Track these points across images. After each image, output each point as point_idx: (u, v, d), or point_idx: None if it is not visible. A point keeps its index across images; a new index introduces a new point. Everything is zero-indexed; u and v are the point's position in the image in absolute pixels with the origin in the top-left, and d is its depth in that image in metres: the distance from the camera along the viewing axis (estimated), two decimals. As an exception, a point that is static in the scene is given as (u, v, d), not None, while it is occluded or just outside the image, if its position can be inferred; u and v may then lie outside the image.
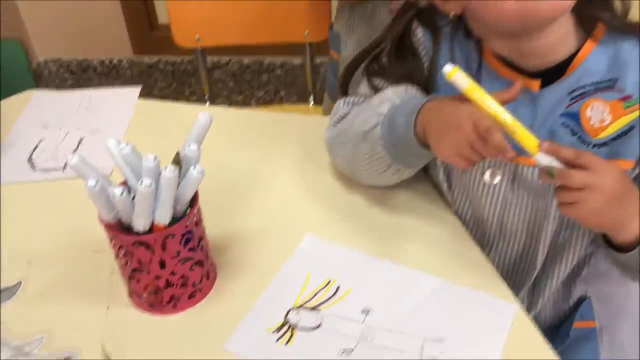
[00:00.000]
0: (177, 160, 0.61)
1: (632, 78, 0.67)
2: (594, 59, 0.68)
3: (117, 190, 0.57)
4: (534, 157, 0.62)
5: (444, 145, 0.65)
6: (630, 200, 0.64)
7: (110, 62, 2.51)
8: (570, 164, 0.62)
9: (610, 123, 0.68)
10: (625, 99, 0.67)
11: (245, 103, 2.36)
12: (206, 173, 0.61)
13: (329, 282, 0.70)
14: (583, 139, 0.69)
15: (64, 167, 0.90)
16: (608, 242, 0.69)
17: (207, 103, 1.58)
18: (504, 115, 0.61)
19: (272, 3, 1.43)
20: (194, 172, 0.60)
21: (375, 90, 0.79)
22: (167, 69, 2.51)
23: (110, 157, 0.63)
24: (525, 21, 0.64)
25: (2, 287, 0.71)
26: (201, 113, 0.62)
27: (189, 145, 0.61)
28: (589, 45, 0.69)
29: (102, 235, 0.71)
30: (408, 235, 0.76)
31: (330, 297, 0.68)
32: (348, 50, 1.25)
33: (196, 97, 2.39)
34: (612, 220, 0.65)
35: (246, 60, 2.45)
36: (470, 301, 0.67)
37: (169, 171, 0.57)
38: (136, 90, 1.07)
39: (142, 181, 0.56)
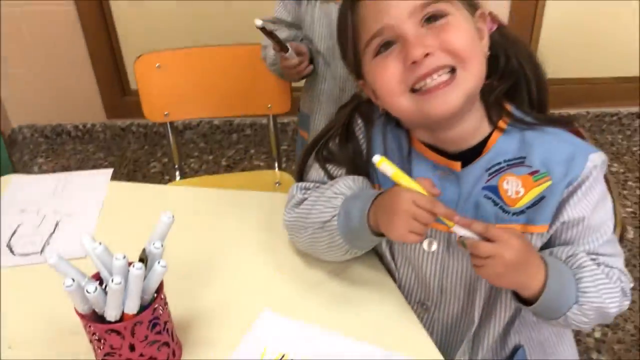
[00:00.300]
0: (143, 257, 0.70)
1: (537, 156, 0.79)
2: (504, 141, 0.80)
3: (91, 288, 0.66)
4: (452, 229, 0.73)
5: (395, 228, 0.75)
6: (530, 266, 0.74)
7: (84, 126, 2.59)
8: (482, 236, 0.72)
9: (525, 194, 0.79)
10: (533, 173, 0.79)
11: (215, 162, 2.46)
12: (170, 252, 0.70)
13: (283, 355, 0.78)
14: (503, 209, 0.80)
15: (42, 250, 0.98)
16: (517, 297, 0.79)
17: (178, 177, 1.67)
18: None
19: (237, 80, 1.54)
20: (158, 267, 0.68)
21: (327, 173, 0.90)
22: (139, 132, 2.60)
23: (85, 252, 0.72)
24: (422, 118, 0.77)
25: (-15, 371, 0.78)
26: (163, 214, 0.71)
27: (153, 243, 0.70)
28: (496, 133, 0.81)
29: (78, 318, 0.79)
30: (359, 307, 0.86)
31: (284, 369, 0.77)
32: (318, 127, 1.36)
33: (167, 158, 2.48)
34: (514, 281, 0.76)
35: (216, 121, 2.56)
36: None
37: (136, 268, 0.66)
38: (108, 172, 1.16)
39: (112, 279, 0.65)
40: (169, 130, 1.61)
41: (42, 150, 2.57)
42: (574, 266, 0.79)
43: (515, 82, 0.83)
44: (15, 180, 1.15)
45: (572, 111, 2.47)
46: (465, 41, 0.75)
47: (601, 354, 1.59)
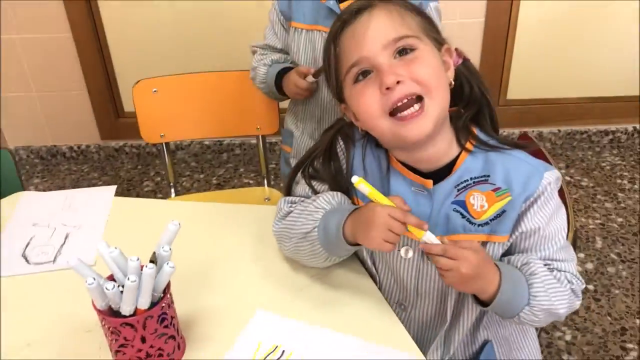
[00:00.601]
0: (154, 259, 0.80)
1: (499, 175, 0.90)
2: (470, 161, 0.92)
3: (109, 285, 0.76)
4: (421, 239, 0.84)
5: (372, 238, 0.86)
6: (485, 276, 0.86)
7: (79, 147, 2.69)
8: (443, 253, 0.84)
9: (488, 208, 0.90)
10: (496, 190, 0.90)
11: (206, 181, 2.56)
12: (175, 259, 0.80)
13: (276, 347, 0.89)
14: (470, 221, 0.91)
15: (54, 259, 1.07)
16: (478, 299, 0.91)
17: (173, 194, 1.77)
18: None
19: (227, 104, 1.66)
20: (167, 267, 0.79)
21: (311, 188, 1.01)
22: (132, 152, 2.70)
23: (101, 257, 0.81)
24: (399, 141, 0.89)
25: (8, 365, 0.87)
26: (171, 223, 0.81)
27: (162, 247, 0.80)
28: (464, 154, 0.92)
29: (90, 318, 0.89)
30: (343, 306, 0.96)
31: (278, 359, 0.87)
32: (303, 144, 1.48)
33: (160, 177, 2.58)
34: (472, 288, 0.88)
35: (207, 141, 2.67)
36: (385, 355, 0.86)
37: (149, 268, 0.76)
38: (112, 188, 1.26)
39: (128, 277, 0.75)
40: (165, 150, 1.71)
41: (38, 170, 2.65)
42: (527, 273, 0.90)
43: (479, 109, 0.95)
44: (25, 197, 1.25)
45: (545, 129, 2.61)
46: (431, 72, 0.86)
47: (571, 355, 1.70)
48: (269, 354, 0.88)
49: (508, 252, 0.94)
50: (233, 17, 2.35)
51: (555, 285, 0.90)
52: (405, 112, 0.85)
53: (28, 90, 2.52)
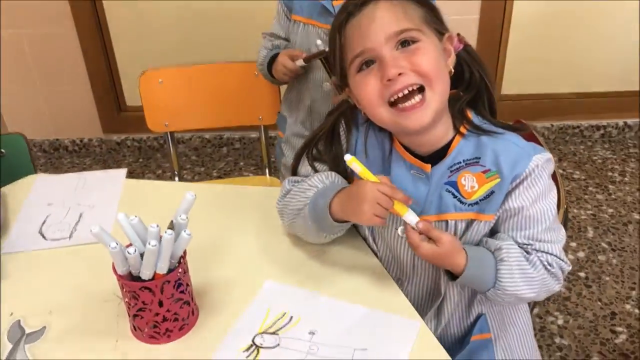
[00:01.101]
0: (172, 226, 0.85)
1: (490, 157, 0.95)
2: (463, 145, 0.97)
3: (131, 250, 0.81)
4: (403, 216, 0.91)
5: (361, 212, 0.92)
6: (454, 256, 0.92)
7: (81, 140, 2.73)
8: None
9: (478, 189, 0.95)
10: (485, 171, 0.95)
11: (207, 174, 2.61)
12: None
13: (285, 313, 0.94)
14: (461, 200, 0.96)
15: (70, 236, 1.12)
16: (449, 274, 0.97)
17: (177, 178, 1.83)
18: None
19: (230, 94, 1.71)
20: (184, 234, 0.84)
21: (313, 169, 1.06)
22: (134, 146, 2.75)
23: (120, 226, 0.86)
24: (399, 129, 0.94)
25: (30, 331, 0.92)
26: (188, 192, 0.87)
27: (179, 216, 0.85)
28: (458, 137, 0.97)
29: (108, 288, 0.94)
30: (343, 276, 1.01)
31: (286, 324, 0.92)
32: (293, 130, 1.54)
33: (161, 170, 2.63)
34: (443, 264, 0.95)
35: (207, 135, 2.72)
36: (386, 321, 0.92)
37: (168, 234, 0.81)
38: (123, 171, 1.30)
39: (149, 242, 0.80)
40: (169, 139, 1.76)
41: (41, 164, 2.70)
42: (498, 258, 0.94)
43: (477, 92, 1.00)
44: (39, 179, 1.29)
45: (538, 124, 2.68)
46: (432, 63, 0.90)
47: (563, 338, 1.76)
48: (278, 320, 0.93)
49: (493, 230, 0.98)
50: (235, 9, 2.41)
51: (526, 272, 0.94)
52: (407, 104, 0.90)
53: (32, 84, 2.56)
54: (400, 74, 0.89)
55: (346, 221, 0.98)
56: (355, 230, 1.09)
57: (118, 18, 2.46)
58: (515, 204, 0.94)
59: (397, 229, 1.01)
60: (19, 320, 0.94)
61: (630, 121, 2.68)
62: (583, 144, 2.71)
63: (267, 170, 1.86)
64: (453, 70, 0.97)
